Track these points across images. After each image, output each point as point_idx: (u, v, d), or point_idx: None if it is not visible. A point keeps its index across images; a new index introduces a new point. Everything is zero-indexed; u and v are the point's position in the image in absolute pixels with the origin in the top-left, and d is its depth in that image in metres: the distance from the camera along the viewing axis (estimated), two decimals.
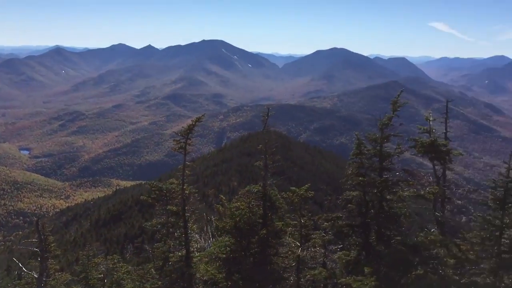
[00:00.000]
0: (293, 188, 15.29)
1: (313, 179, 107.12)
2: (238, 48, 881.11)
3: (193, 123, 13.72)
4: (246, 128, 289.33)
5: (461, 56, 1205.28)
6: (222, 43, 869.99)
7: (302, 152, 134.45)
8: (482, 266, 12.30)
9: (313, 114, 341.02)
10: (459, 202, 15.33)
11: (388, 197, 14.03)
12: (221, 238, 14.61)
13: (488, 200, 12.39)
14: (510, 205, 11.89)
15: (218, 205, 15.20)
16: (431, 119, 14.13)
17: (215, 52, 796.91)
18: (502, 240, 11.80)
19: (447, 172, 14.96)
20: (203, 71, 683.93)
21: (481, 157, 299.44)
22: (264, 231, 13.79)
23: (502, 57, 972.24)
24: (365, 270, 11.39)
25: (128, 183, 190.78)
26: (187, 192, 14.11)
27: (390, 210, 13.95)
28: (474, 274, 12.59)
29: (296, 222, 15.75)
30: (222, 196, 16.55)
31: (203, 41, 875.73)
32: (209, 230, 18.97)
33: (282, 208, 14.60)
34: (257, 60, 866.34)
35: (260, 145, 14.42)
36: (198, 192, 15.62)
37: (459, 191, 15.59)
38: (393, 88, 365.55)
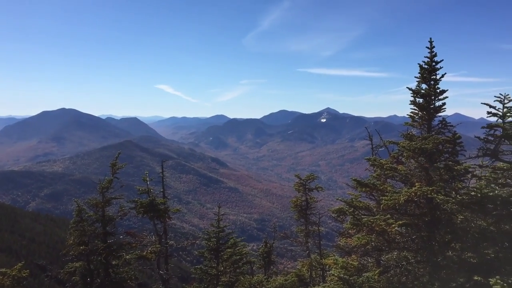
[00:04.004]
0: (3, 269, 13.35)
1: (46, 251, 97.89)
2: None
3: None
4: None
5: (188, 116, 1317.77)
6: None
7: (31, 223, 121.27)
8: None
9: (43, 179, 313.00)
10: (196, 252, 15.97)
11: (113, 262, 13.65)
12: None
13: (204, 251, 13.26)
14: (222, 253, 12.97)
15: None
16: (148, 179, 14.56)
17: None
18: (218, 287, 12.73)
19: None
20: None
21: (213, 207, 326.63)
22: None
23: (222, 116, 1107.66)
24: None
25: None
26: None
27: (117, 276, 13.56)
28: None
29: None
30: None
31: None
32: None
33: None
34: None
35: None
36: None
37: (186, 243, 16.31)
38: (128, 148, 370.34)
